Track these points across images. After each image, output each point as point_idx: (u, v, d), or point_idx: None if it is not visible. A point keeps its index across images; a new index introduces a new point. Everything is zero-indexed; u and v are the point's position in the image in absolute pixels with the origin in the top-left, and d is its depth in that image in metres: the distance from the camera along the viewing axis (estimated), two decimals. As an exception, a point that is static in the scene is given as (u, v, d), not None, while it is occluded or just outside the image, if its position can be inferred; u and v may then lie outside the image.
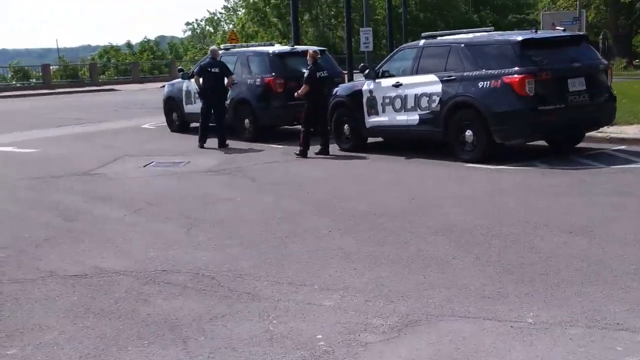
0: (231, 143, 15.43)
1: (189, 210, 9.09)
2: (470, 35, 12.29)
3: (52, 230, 8.30)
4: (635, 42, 50.55)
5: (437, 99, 11.82)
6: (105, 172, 12.60)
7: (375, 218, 8.21)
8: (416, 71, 12.36)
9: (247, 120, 16.04)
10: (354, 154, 13.42)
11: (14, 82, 40.22)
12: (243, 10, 77.83)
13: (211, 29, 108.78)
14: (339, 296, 5.64)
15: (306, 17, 67.29)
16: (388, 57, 13.40)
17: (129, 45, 55.21)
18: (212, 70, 15.36)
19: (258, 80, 15.78)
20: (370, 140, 13.94)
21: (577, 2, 36.44)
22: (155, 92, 38.06)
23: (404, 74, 12.65)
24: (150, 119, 22.32)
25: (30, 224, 8.67)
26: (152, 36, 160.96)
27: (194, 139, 15.70)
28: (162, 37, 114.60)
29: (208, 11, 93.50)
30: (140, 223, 8.52)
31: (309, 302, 5.54)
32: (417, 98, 12.17)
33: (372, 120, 13.18)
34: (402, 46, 13.54)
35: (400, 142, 13.69)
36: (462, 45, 11.85)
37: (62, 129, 20.27)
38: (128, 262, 6.86)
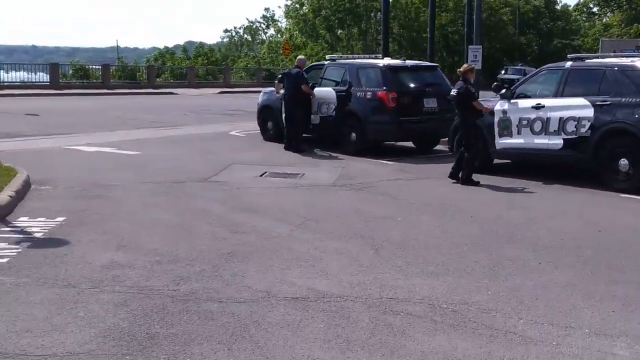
0: (332, 155, 15.26)
1: (356, 228, 8.58)
2: (627, 60, 11.72)
3: (227, 243, 7.81)
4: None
5: (588, 124, 11.26)
6: (225, 180, 12.15)
7: (573, 249, 7.65)
8: (561, 94, 11.81)
9: (353, 134, 15.55)
10: (478, 175, 12.85)
11: (74, 80, 40.00)
12: (285, 21, 77.85)
13: (249, 37, 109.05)
14: (624, 344, 5.08)
15: (355, 30, 67.06)
16: (526, 77, 12.84)
17: (184, 49, 55.08)
18: (290, 75, 16.10)
19: (369, 93, 15.30)
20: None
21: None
22: (213, 97, 37.96)
23: (545, 95, 12.11)
24: (229, 125, 22.02)
25: (196, 235, 8.19)
26: (180, 41, 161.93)
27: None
28: (190, 43, 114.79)
29: (247, 19, 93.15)
30: (314, 240, 8.00)
31: (598, 349, 4.99)
32: (563, 121, 11.61)
33: (503, 142, 12.63)
34: (544, 67, 12.98)
35: (519, 165, 13.16)
36: (618, 69, 11.28)
37: (144, 130, 19.92)
38: (339, 285, 6.35)
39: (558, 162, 12.14)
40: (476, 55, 17.67)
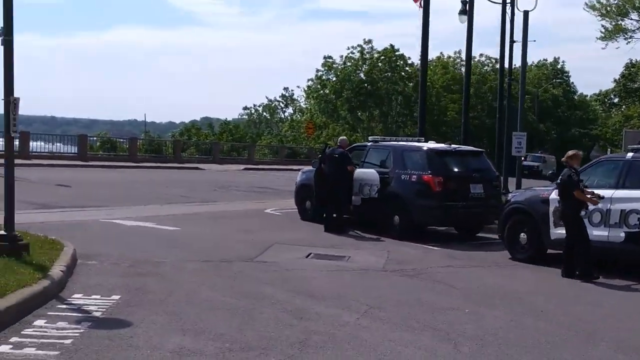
0: (372, 237, 15.03)
1: (424, 319, 8.21)
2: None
3: (295, 330, 7.44)
4: None
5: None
6: (272, 260, 11.87)
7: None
8: (622, 185, 11.55)
9: (396, 217, 15.27)
10: (530, 265, 12.53)
11: (100, 152, 40.18)
12: (304, 100, 78.61)
13: (267, 115, 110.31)
14: None
15: (376, 112, 67.63)
16: (583, 167, 12.59)
17: (209, 125, 55.54)
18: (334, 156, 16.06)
19: (414, 176, 15.09)
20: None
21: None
22: (238, 174, 37.92)
23: (603, 186, 11.84)
24: (262, 203, 21.86)
25: (260, 320, 7.83)
26: (197, 116, 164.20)
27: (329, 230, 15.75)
28: (206, 118, 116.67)
29: (266, 97, 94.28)
30: (385, 331, 7.63)
31: None
32: (625, 214, 11.31)
33: (559, 232, 12.30)
34: (602, 157, 12.80)
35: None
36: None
37: (178, 206, 19.71)
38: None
39: (618, 255, 11.76)
40: (520, 142, 17.52)
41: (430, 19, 20.57)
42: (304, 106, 75.24)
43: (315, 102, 68.59)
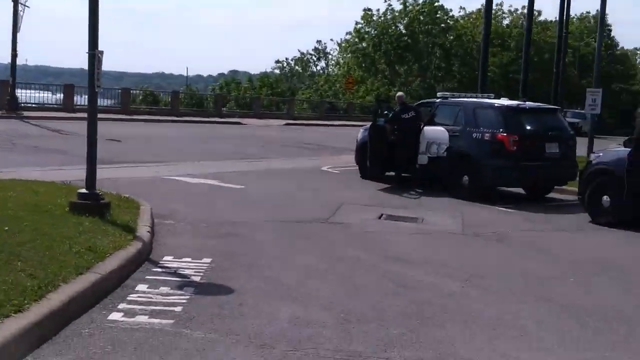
0: (443, 199, 14.51)
1: (534, 289, 7.84)
2: None
3: (404, 299, 7.10)
4: None
5: None
6: (347, 221, 11.54)
7: None
8: None
9: (465, 177, 14.79)
10: (614, 229, 12.03)
11: (143, 106, 39.89)
12: (337, 53, 77.43)
13: (299, 69, 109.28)
14: None
15: (415, 66, 66.57)
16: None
17: (249, 79, 54.92)
18: (406, 116, 15.87)
19: (487, 135, 14.55)
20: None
21: None
22: (280, 129, 37.47)
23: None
24: (316, 160, 21.50)
25: (363, 288, 7.51)
26: (224, 70, 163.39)
27: (391, 188, 15.57)
28: (234, 72, 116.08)
29: (299, 51, 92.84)
30: (498, 302, 7.25)
31: None
32: None
33: None
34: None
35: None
36: None
37: (233, 162, 19.42)
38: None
39: None
40: (595, 100, 16.80)
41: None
42: (340, 61, 74.08)
43: (353, 56, 67.54)
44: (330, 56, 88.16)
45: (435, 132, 15.45)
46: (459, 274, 8.33)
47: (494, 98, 16.41)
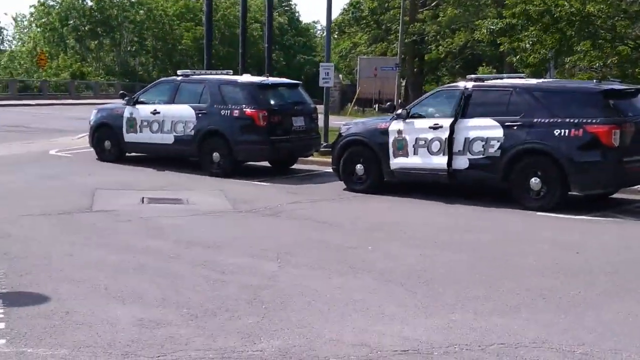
0: (195, 178, 14.27)
1: (350, 261, 7.90)
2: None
3: (233, 287, 6.81)
4: None
5: (497, 145, 11.59)
6: (112, 208, 10.79)
7: (591, 275, 7.69)
8: (463, 114, 12.06)
9: (216, 154, 14.59)
10: (374, 195, 12.68)
11: None
12: (20, 30, 72.43)
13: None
14: None
15: (107, 41, 64.26)
16: (420, 98, 12.89)
17: None
18: None
19: (236, 111, 14.45)
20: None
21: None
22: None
23: (445, 115, 12.27)
24: (34, 143, 19.73)
25: (182, 278, 7.08)
26: None
27: (136, 170, 15.09)
28: None
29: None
30: (323, 278, 7.22)
31: None
32: (469, 142, 11.86)
33: (397, 162, 12.58)
34: (439, 88, 13.16)
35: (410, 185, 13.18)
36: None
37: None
38: (428, 331, 5.75)
39: (461, 183, 12.34)
40: (327, 73, 17.47)
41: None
42: (24, 37, 68.91)
43: (41, 30, 63.21)
44: (5, 32, 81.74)
45: (180, 111, 15.03)
46: (267, 254, 8.14)
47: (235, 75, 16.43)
